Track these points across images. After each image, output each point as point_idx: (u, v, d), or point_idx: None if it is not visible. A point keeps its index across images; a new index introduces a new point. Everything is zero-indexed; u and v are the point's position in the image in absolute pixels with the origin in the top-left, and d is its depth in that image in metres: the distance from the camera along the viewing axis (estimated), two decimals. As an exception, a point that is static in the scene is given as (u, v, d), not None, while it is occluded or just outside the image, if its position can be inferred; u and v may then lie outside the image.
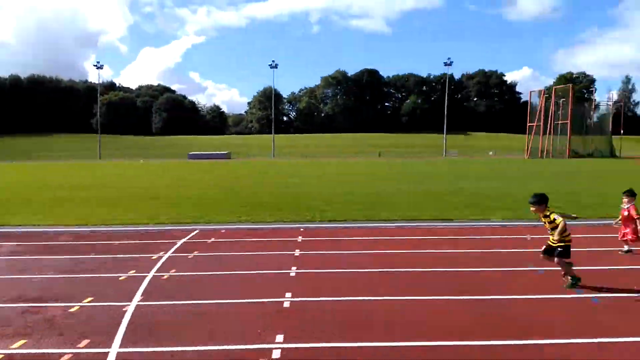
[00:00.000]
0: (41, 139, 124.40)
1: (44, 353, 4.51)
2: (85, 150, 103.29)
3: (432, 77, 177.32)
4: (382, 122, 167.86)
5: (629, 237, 7.98)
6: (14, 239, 10.35)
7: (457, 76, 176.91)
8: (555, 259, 6.27)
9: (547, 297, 6.03)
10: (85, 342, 4.74)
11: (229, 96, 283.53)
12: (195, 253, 8.76)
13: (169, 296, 6.20)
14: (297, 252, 8.67)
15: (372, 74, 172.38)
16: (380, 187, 21.63)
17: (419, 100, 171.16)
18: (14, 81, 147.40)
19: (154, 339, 4.80)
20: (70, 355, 4.44)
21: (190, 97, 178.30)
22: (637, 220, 7.74)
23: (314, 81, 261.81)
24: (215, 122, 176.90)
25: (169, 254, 8.70)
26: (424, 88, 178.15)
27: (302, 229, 11.09)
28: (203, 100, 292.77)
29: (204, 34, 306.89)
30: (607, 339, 4.67)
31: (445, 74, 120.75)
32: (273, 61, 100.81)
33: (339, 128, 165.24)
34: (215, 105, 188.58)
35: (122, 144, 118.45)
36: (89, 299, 6.12)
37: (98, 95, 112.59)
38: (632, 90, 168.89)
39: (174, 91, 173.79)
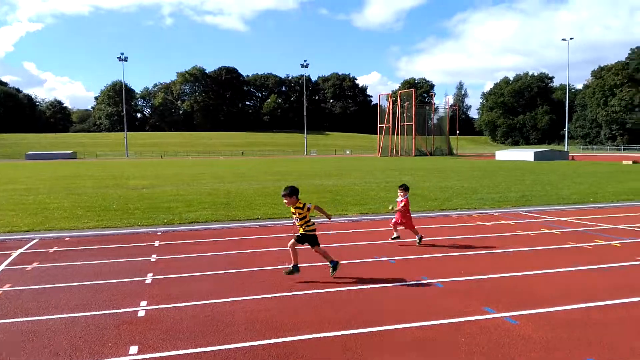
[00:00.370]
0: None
1: None
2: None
3: (290, 77, 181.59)
4: (243, 120, 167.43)
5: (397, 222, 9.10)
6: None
7: (314, 78, 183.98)
8: (314, 249, 6.97)
9: (395, 285, 6.58)
10: None
11: (73, 90, 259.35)
12: (35, 264, 7.87)
13: (3, 315, 5.49)
14: (153, 258, 8.26)
15: (231, 72, 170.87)
16: (240, 186, 21.53)
17: (280, 100, 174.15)
18: None
19: (-18, 366, 4.22)
20: None
21: (25, 91, 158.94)
22: (399, 211, 8.97)
23: (169, 76, 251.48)
24: (56, 118, 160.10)
25: (2, 267, 7.70)
26: (284, 88, 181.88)
27: (159, 233, 10.60)
28: (42, 94, 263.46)
29: (41, 21, 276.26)
30: (455, 320, 5.26)
31: (302, 76, 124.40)
32: (122, 53, 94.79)
33: (199, 126, 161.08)
34: (56, 100, 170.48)
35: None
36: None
37: None
38: (465, 95, 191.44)
39: (5, 83, 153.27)
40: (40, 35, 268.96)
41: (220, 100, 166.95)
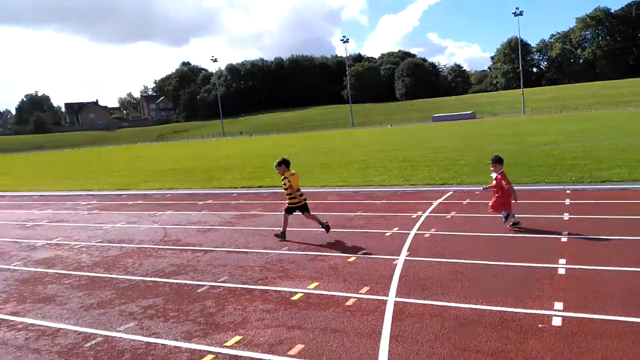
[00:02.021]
0: (300, 112, 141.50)
1: (332, 295, 5.21)
2: (338, 120, 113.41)
3: None
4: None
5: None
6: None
7: None
8: (305, 214, 7.87)
9: None
10: (365, 289, 5.29)
11: (470, 53, 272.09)
12: (453, 214, 8.81)
13: (433, 253, 6.42)
14: (566, 216, 7.92)
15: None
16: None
17: None
18: (278, 63, 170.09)
19: (425, 293, 5.05)
20: (354, 299, 5.03)
21: (430, 59, 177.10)
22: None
23: (567, 24, 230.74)
24: (457, 81, 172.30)
25: (426, 213, 8.97)
26: None
27: (568, 191, 10.05)
28: (443, 61, 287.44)
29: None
30: None
31: None
32: (517, 8, 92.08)
33: (602, 75, 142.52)
34: (455, 65, 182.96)
35: (370, 111, 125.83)
36: (363, 251, 6.79)
37: (347, 68, 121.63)
38: None
39: (414, 55, 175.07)
40: (439, 7, 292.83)
41: (629, 42, 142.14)
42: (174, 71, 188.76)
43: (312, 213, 8.08)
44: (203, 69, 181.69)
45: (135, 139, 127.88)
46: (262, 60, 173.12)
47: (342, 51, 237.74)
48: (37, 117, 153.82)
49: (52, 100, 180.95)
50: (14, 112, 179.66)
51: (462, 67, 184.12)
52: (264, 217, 9.96)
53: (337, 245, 7.23)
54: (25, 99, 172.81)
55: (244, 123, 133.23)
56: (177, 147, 59.72)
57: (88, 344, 4.43)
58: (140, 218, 10.99)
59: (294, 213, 7.98)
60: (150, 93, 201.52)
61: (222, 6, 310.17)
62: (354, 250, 6.90)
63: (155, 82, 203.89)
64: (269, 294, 5.42)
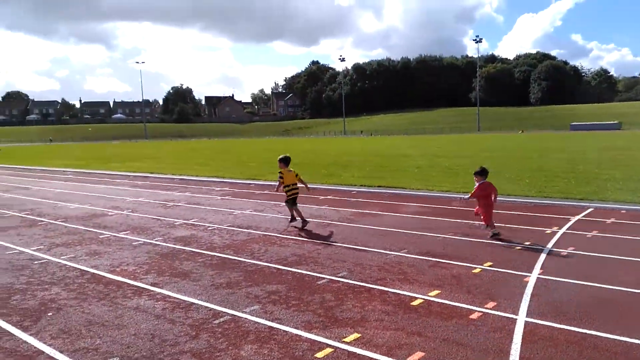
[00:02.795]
0: (425, 113, 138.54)
1: (455, 306, 4.97)
2: (464, 123, 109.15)
3: None
4: None
5: None
6: (416, 200, 11.89)
7: None
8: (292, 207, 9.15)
9: None
10: (491, 303, 4.97)
11: (618, 57, 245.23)
12: (594, 233, 7.96)
13: (571, 274, 5.83)
14: None
15: None
16: None
17: None
18: (405, 63, 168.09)
19: (561, 316, 4.60)
20: (479, 313, 4.74)
21: (572, 62, 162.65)
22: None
23: None
24: (601, 88, 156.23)
25: (563, 229, 8.22)
26: None
27: None
28: (587, 65, 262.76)
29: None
30: None
31: None
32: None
33: None
34: (601, 69, 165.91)
35: (500, 115, 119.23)
36: (489, 263, 6.40)
37: (477, 69, 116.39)
38: None
39: (554, 57, 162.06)
40: (586, 5, 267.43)
41: None
42: (303, 69, 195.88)
43: (298, 208, 9.23)
44: (330, 68, 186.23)
45: (263, 132, 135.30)
46: (388, 59, 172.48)
47: (473, 51, 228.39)
48: (180, 107, 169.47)
49: (194, 93, 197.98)
50: (161, 102, 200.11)
51: (609, 72, 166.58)
52: (383, 217, 9.88)
53: (461, 254, 6.91)
54: (171, 91, 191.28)
55: (366, 122, 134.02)
56: (300, 143, 61.96)
57: (217, 321, 4.73)
58: (266, 207, 11.54)
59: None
60: (280, 90, 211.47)
61: (353, 6, 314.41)
62: (479, 260, 6.54)
63: (285, 80, 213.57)
64: (388, 295, 5.34)
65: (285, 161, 9.23)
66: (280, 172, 9.16)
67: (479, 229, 8.50)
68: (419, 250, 7.21)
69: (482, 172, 8.07)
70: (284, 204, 9.64)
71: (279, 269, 6.45)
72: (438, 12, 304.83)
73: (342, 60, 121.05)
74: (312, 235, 8.45)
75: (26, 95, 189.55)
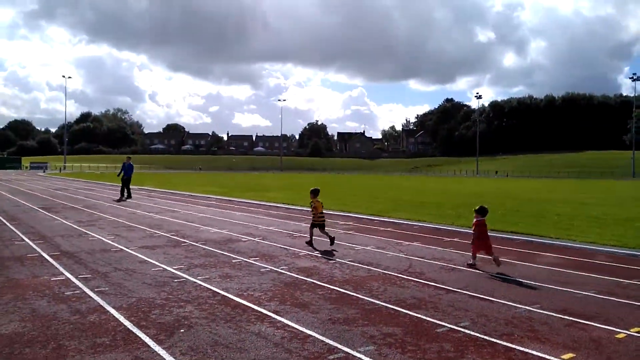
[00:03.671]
0: (569, 156, 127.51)
1: (593, 374, 4.41)
2: (615, 168, 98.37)
3: None
4: None
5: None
6: (555, 251, 10.91)
7: None
8: (320, 230, 11.23)
9: None
10: (639, 378, 4.33)
11: None
12: None
13: None
14: None
15: None
16: None
17: None
18: (549, 101, 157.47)
19: None
20: (623, 387, 4.16)
21: None
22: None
23: None
24: None
25: None
26: None
27: None
28: None
29: None
30: None
31: None
32: None
33: None
34: None
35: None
36: (637, 329, 5.61)
37: (633, 109, 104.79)
38: None
39: None
40: None
41: None
42: (436, 107, 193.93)
43: (326, 229, 11.38)
44: (465, 105, 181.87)
45: (392, 168, 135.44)
46: (530, 97, 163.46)
47: (628, 90, 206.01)
48: (313, 142, 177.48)
49: (327, 129, 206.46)
50: (297, 137, 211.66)
51: None
52: (514, 266, 9.20)
53: (604, 315, 6.15)
54: (307, 127, 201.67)
55: (501, 162, 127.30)
56: (429, 181, 60.79)
57: (331, 357, 4.76)
58: (388, 245, 11.46)
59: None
60: (411, 127, 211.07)
61: (494, 42, 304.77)
62: (626, 324, 5.75)
63: (417, 117, 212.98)
64: (514, 353, 4.92)
65: (315, 193, 11.33)
66: (312, 202, 11.32)
67: (628, 287, 7.51)
68: (554, 306, 6.57)
69: (481, 211, 9.18)
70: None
71: (396, 310, 6.32)
72: (589, 48, 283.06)
73: (479, 97, 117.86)
74: (434, 279, 8.17)
75: (183, 128, 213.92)
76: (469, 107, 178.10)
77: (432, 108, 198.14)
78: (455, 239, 12.42)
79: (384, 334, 5.41)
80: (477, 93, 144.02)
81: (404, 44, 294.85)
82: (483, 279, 8.15)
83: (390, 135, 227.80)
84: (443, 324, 5.79)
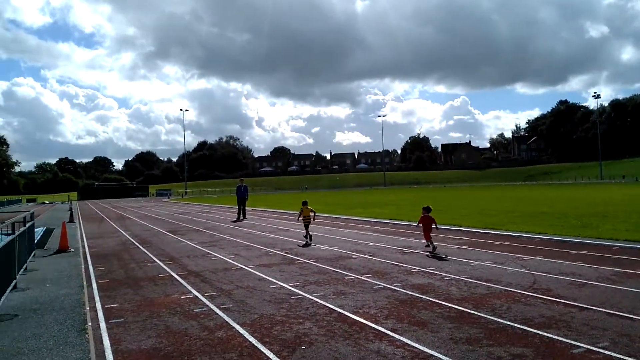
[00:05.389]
0: None
1: None
2: None
3: None
4: None
5: None
6: None
7: None
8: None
9: None
10: None
11: None
12: None
13: None
14: None
15: None
16: None
17: None
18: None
19: None
20: None
21: None
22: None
23: None
24: None
25: None
26: None
27: None
28: None
29: None
30: None
31: None
32: None
33: None
34: None
35: None
36: None
37: None
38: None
39: None
40: None
41: None
42: (549, 110, 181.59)
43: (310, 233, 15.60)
44: (582, 107, 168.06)
45: (503, 178, 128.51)
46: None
47: None
48: (417, 156, 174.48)
49: (430, 142, 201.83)
50: (399, 151, 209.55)
51: None
52: (659, 281, 8.19)
53: None
54: (409, 140, 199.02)
55: (629, 166, 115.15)
56: (546, 189, 56.69)
57: (456, 377, 4.57)
58: (507, 260, 10.81)
59: None
60: (522, 133, 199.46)
61: (607, 36, 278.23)
62: None
63: (528, 122, 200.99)
64: (669, 379, 4.35)
65: (305, 204, 15.82)
66: (302, 209, 15.77)
67: None
68: None
69: (427, 209, 13.06)
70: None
71: (524, 329, 5.91)
72: None
73: (597, 97, 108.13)
74: (563, 295, 7.54)
75: (288, 150, 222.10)
76: (586, 108, 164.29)
77: (545, 112, 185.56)
78: (583, 252, 11.40)
79: (513, 355, 5.08)
80: (595, 92, 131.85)
81: (506, 47, 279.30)
82: (621, 295, 7.36)
83: (499, 143, 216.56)
84: (579, 344, 5.31)
